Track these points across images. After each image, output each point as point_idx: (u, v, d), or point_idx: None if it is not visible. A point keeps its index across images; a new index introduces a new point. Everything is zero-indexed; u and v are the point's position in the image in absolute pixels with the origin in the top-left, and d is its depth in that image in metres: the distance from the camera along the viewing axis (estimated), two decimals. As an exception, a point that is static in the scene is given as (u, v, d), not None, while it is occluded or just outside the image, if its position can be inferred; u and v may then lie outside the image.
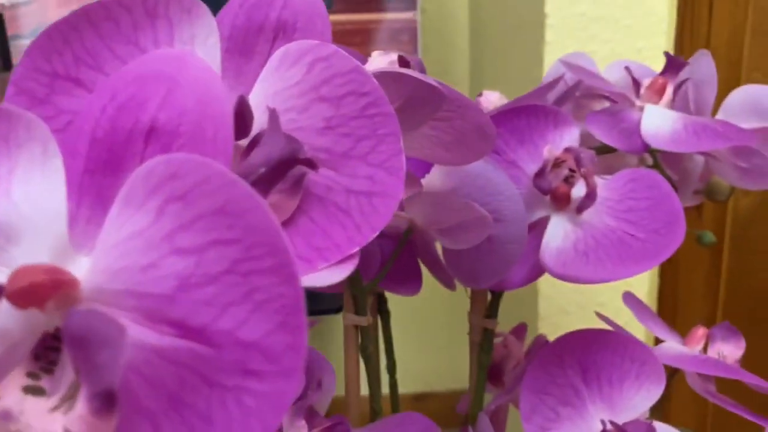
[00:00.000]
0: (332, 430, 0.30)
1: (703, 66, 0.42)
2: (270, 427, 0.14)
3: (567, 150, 0.32)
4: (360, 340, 0.35)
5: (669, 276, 0.79)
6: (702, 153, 0.41)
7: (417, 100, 0.24)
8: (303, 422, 0.30)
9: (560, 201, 0.32)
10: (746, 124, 0.41)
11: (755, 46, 0.69)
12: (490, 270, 0.33)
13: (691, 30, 0.69)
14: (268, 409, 0.14)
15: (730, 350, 0.38)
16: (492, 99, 0.41)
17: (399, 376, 0.41)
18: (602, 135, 0.34)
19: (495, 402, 0.37)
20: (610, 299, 0.73)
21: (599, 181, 0.33)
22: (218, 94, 0.18)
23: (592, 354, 0.35)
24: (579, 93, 0.41)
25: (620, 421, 0.33)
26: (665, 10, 0.68)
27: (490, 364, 0.41)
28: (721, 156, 0.42)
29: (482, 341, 0.38)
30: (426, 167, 0.33)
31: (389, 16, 0.99)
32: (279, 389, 0.14)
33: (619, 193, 0.33)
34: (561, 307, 0.73)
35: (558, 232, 0.32)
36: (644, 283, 0.76)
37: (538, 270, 0.33)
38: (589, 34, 0.65)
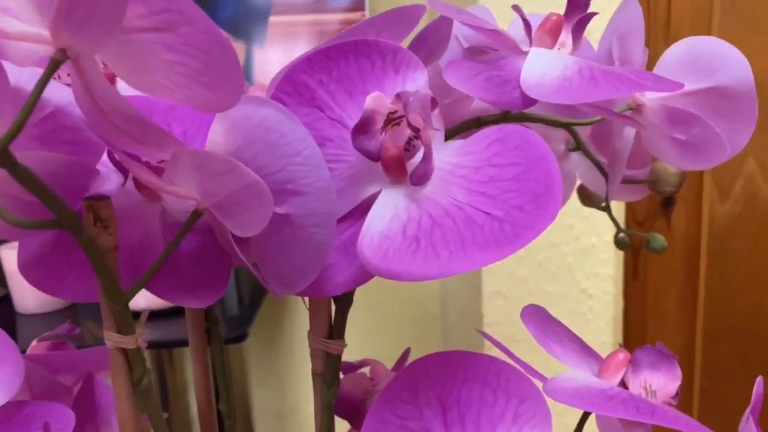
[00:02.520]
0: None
1: (628, 13, 0.33)
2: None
3: (398, 96, 0.23)
4: (134, 370, 0.25)
5: (635, 299, 0.68)
6: (625, 119, 0.31)
7: None
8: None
9: (393, 169, 0.23)
10: (686, 87, 0.32)
11: (725, 21, 0.60)
12: (298, 266, 0.23)
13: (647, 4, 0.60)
14: None
15: (660, 382, 0.28)
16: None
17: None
18: (461, 83, 0.25)
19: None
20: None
21: (452, 145, 0.24)
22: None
23: (456, 387, 0.25)
24: (467, 45, 0.32)
25: (489, 483, 0.23)
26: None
27: (347, 402, 0.31)
28: (655, 128, 0.33)
29: (325, 370, 0.28)
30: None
31: (337, 17, 0.94)
32: None
33: (477, 159, 0.23)
34: (509, 335, 0.63)
35: (385, 212, 0.23)
36: (607, 308, 0.65)
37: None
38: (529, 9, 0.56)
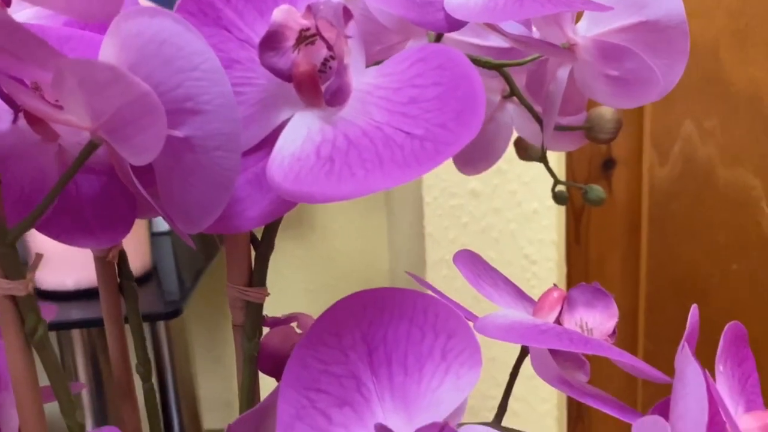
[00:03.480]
0: None
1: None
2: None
3: (308, 8, 0.21)
4: (27, 321, 0.23)
5: (578, 264, 0.68)
6: (558, 52, 0.30)
7: None
8: None
9: (306, 89, 0.21)
10: (618, 22, 0.31)
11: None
12: (203, 197, 0.21)
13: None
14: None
15: (597, 320, 0.27)
16: None
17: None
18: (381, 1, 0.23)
19: (254, 413, 0.25)
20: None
21: (372, 68, 0.22)
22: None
23: (382, 326, 0.23)
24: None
25: (417, 424, 0.21)
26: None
27: (275, 357, 0.30)
28: (588, 66, 0.32)
29: (245, 321, 0.26)
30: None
31: None
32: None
33: (398, 80, 0.22)
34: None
35: (297, 134, 0.21)
36: (550, 274, 0.65)
37: (289, 202, 0.22)
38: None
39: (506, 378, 0.27)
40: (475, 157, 0.43)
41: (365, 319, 0.23)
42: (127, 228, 0.24)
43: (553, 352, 0.27)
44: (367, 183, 0.19)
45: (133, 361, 0.31)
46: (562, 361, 0.28)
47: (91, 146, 0.22)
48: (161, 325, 0.69)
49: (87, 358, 0.63)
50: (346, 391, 0.23)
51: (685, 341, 0.23)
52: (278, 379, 0.31)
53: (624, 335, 0.72)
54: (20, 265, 0.22)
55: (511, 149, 0.42)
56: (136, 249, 0.66)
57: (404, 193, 0.70)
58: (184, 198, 0.22)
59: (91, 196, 0.25)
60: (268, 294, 0.27)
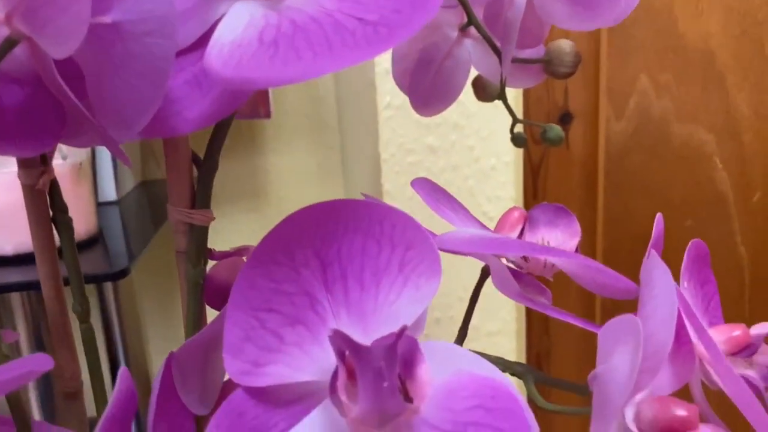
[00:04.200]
0: None
1: None
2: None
3: None
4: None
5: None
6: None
7: None
8: None
9: (248, -25, 0.19)
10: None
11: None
12: (136, 93, 0.19)
13: None
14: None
15: (559, 239, 0.26)
16: None
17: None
18: None
19: (194, 339, 0.24)
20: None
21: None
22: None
23: (336, 241, 0.22)
24: None
25: (374, 338, 0.20)
26: None
27: (224, 290, 0.28)
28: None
29: (189, 245, 0.25)
30: None
31: None
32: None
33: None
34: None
35: (238, 22, 0.19)
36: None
37: (233, 101, 0.20)
38: None
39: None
40: (432, 97, 0.42)
41: (318, 234, 0.22)
42: (53, 139, 0.22)
43: (515, 277, 0.26)
44: (315, 65, 0.17)
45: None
46: (524, 287, 0.27)
47: (9, 43, 0.20)
48: (109, 288, 0.66)
49: (28, 323, 0.60)
50: (299, 310, 0.22)
51: (652, 248, 0.22)
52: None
53: (580, 288, 0.72)
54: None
55: (470, 102, 0.41)
56: (82, 214, 0.63)
57: (361, 154, 0.69)
58: (116, 96, 0.20)
59: (15, 105, 0.23)
60: (213, 218, 0.25)
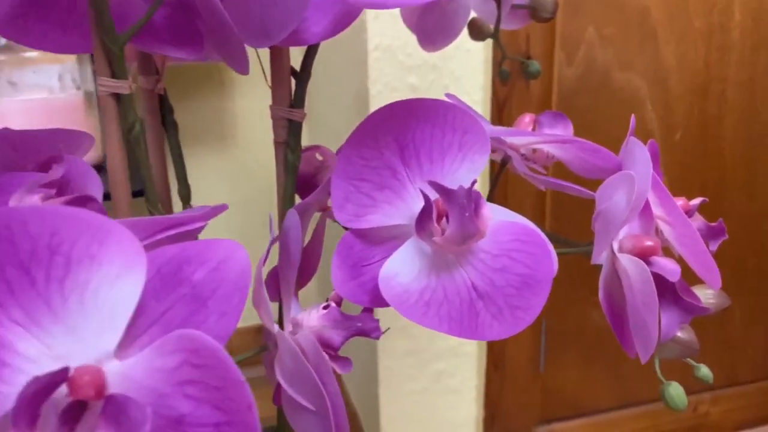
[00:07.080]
0: (79, 203, 0.23)
1: None
2: None
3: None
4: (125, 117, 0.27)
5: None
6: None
7: None
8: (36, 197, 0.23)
9: None
10: None
11: None
12: (283, 13, 0.27)
13: None
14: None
15: (558, 135, 0.35)
16: None
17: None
18: None
19: (301, 205, 0.32)
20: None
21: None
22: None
23: (410, 131, 0.30)
24: None
25: (443, 196, 0.28)
26: None
27: (300, 177, 0.36)
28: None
29: (288, 137, 0.32)
30: None
31: None
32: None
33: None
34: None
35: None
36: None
37: (346, 19, 0.28)
38: None
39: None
40: (435, 33, 0.49)
41: (397, 125, 0.30)
42: (198, 46, 0.29)
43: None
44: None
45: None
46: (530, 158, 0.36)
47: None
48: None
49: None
50: (384, 179, 0.30)
51: (630, 135, 0.31)
52: (301, 195, 0.37)
53: (535, 212, 0.83)
54: (126, 66, 0.27)
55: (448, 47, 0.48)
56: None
57: (349, 88, 0.76)
58: (266, 15, 0.27)
59: (163, 22, 0.29)
60: (305, 114, 0.33)
